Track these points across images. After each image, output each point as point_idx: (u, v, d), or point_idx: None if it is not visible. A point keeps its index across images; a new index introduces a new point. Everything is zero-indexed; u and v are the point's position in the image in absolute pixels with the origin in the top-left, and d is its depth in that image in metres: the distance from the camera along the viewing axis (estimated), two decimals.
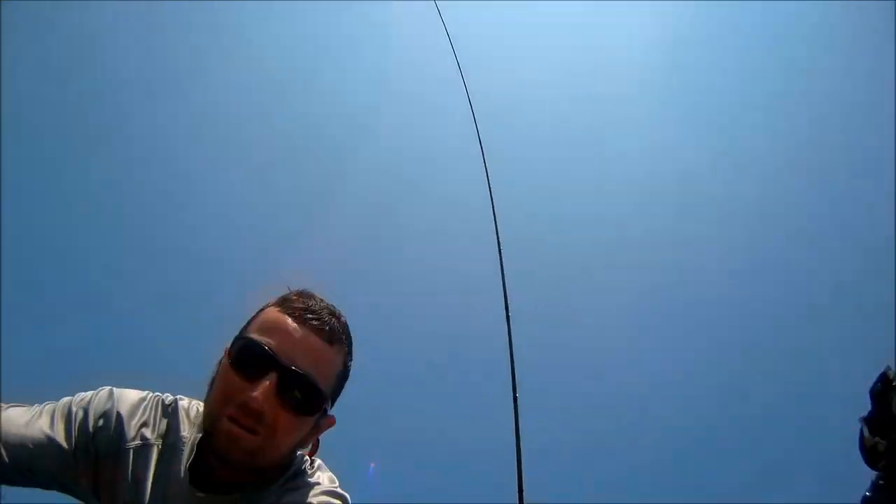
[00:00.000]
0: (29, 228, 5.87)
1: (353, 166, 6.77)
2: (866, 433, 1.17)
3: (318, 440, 0.82)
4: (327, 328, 0.72)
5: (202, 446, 0.74)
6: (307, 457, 0.84)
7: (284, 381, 0.68)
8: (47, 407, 0.77)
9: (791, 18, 6.25)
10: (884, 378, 1.15)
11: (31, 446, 0.71)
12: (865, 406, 1.21)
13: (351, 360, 0.78)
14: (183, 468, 0.77)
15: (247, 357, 0.70)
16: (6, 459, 0.68)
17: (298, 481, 0.79)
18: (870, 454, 1.17)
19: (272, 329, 0.71)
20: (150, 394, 0.83)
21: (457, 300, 6.43)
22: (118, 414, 0.77)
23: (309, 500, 0.75)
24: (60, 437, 0.73)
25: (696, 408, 6.15)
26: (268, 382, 0.67)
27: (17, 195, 5.48)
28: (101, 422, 0.77)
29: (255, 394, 0.67)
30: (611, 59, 6.55)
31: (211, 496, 0.75)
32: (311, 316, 0.72)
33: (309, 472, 0.81)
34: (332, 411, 0.80)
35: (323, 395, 0.71)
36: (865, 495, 1.08)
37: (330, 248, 6.26)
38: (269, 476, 0.77)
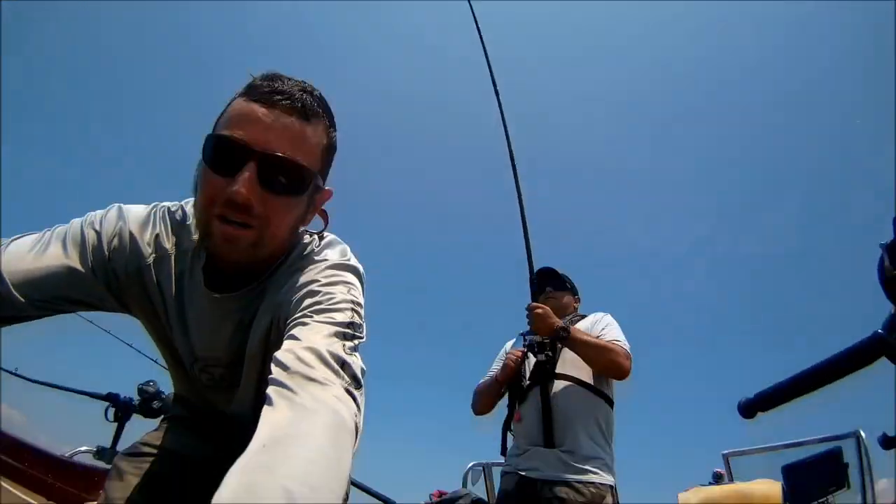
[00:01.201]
0: None
1: None
2: (887, 262, 0.83)
3: (325, 214, 0.82)
4: (300, 105, 0.70)
5: (206, 248, 0.74)
6: (315, 235, 0.83)
7: (265, 168, 0.67)
8: (57, 231, 0.76)
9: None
10: None
11: (46, 276, 0.71)
12: (887, 233, 0.90)
13: (335, 131, 0.77)
14: (197, 272, 0.79)
15: (221, 154, 0.68)
16: (20, 298, 0.68)
17: (306, 260, 0.79)
18: (890, 286, 0.84)
19: (242, 120, 0.68)
20: (157, 205, 0.84)
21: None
22: (130, 233, 0.79)
23: (316, 276, 0.74)
24: (76, 262, 0.74)
25: None
26: (248, 174, 0.66)
27: None
28: (115, 242, 0.78)
29: (237, 188, 0.65)
30: None
31: (224, 295, 0.78)
32: (279, 97, 0.69)
33: (317, 249, 0.81)
34: (328, 185, 0.79)
35: (308, 172, 0.71)
36: (877, 333, 0.76)
37: None
38: (273, 262, 0.78)
